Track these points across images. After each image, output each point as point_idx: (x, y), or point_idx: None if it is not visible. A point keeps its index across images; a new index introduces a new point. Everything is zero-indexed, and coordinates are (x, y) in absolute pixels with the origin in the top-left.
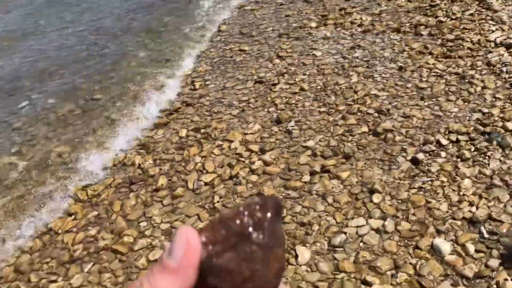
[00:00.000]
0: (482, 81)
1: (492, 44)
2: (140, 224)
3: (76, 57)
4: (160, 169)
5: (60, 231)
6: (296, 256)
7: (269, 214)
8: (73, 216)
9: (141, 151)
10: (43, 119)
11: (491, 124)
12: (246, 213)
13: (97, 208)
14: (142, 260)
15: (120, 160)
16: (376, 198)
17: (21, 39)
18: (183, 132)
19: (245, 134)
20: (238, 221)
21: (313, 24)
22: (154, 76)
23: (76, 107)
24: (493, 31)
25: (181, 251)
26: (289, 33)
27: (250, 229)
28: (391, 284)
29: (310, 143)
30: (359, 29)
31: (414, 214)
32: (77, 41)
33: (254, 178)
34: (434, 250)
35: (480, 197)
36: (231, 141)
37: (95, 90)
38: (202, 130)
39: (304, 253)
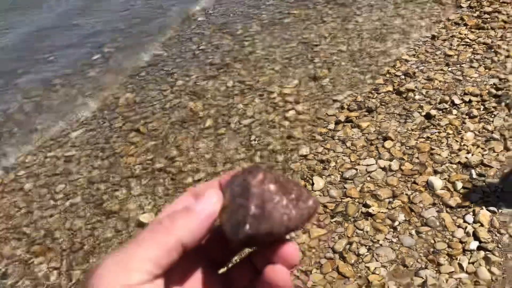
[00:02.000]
0: (508, 50)
1: None
2: (189, 153)
3: (143, 19)
4: (208, 112)
5: (123, 155)
6: (312, 184)
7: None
8: (135, 145)
9: (194, 97)
10: (112, 70)
11: (504, 89)
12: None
13: (155, 139)
14: (189, 179)
15: (175, 103)
16: (388, 144)
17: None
18: (230, 83)
19: (284, 87)
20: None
21: None
22: None
23: (141, 61)
24: None
25: (209, 203)
26: None
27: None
28: (387, 208)
29: (340, 97)
30: None
31: (417, 158)
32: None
33: (286, 123)
34: (428, 185)
35: (478, 147)
36: (271, 92)
37: (157, 48)
38: (247, 82)
39: (319, 182)
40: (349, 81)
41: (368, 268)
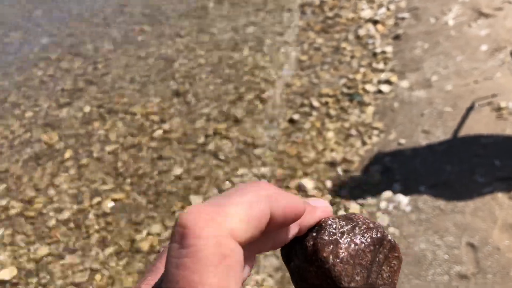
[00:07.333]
0: (352, 51)
1: (362, 21)
2: (48, 192)
3: None
4: (66, 143)
5: None
6: (190, 203)
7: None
8: None
9: (47, 129)
10: None
11: (354, 87)
12: None
13: (6, 181)
14: (52, 221)
15: (25, 138)
16: (258, 151)
17: None
18: (87, 109)
19: (146, 106)
20: None
21: (211, 4)
22: None
23: None
24: (363, 9)
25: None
26: (189, 12)
27: None
28: None
29: (206, 110)
30: (254, 7)
31: (287, 162)
32: None
33: (154, 144)
34: (300, 188)
35: (339, 144)
36: (133, 113)
37: None
38: (106, 105)
39: (196, 200)
40: (212, 93)
41: (257, 281)
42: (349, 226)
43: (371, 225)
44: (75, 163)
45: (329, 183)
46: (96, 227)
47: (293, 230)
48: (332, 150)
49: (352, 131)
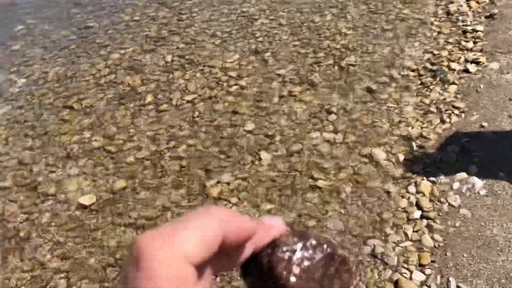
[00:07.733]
0: (439, 27)
1: None
2: (130, 130)
3: None
4: (148, 87)
5: (56, 134)
6: (260, 159)
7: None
8: (68, 122)
9: (131, 72)
10: (38, 43)
11: (438, 64)
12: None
13: (91, 116)
14: (130, 157)
15: (111, 78)
16: (331, 117)
17: None
18: (169, 58)
19: (225, 61)
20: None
21: None
22: None
23: (70, 33)
24: None
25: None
26: None
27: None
28: (333, 180)
29: (282, 71)
30: None
31: (361, 130)
32: None
33: (230, 98)
34: (372, 157)
35: (417, 120)
36: (212, 67)
37: (87, 19)
38: (187, 57)
39: (266, 156)
40: (291, 55)
41: None
42: (302, 243)
43: (322, 240)
44: (155, 107)
45: (401, 157)
46: (171, 168)
47: (249, 249)
48: (408, 124)
49: (432, 107)
